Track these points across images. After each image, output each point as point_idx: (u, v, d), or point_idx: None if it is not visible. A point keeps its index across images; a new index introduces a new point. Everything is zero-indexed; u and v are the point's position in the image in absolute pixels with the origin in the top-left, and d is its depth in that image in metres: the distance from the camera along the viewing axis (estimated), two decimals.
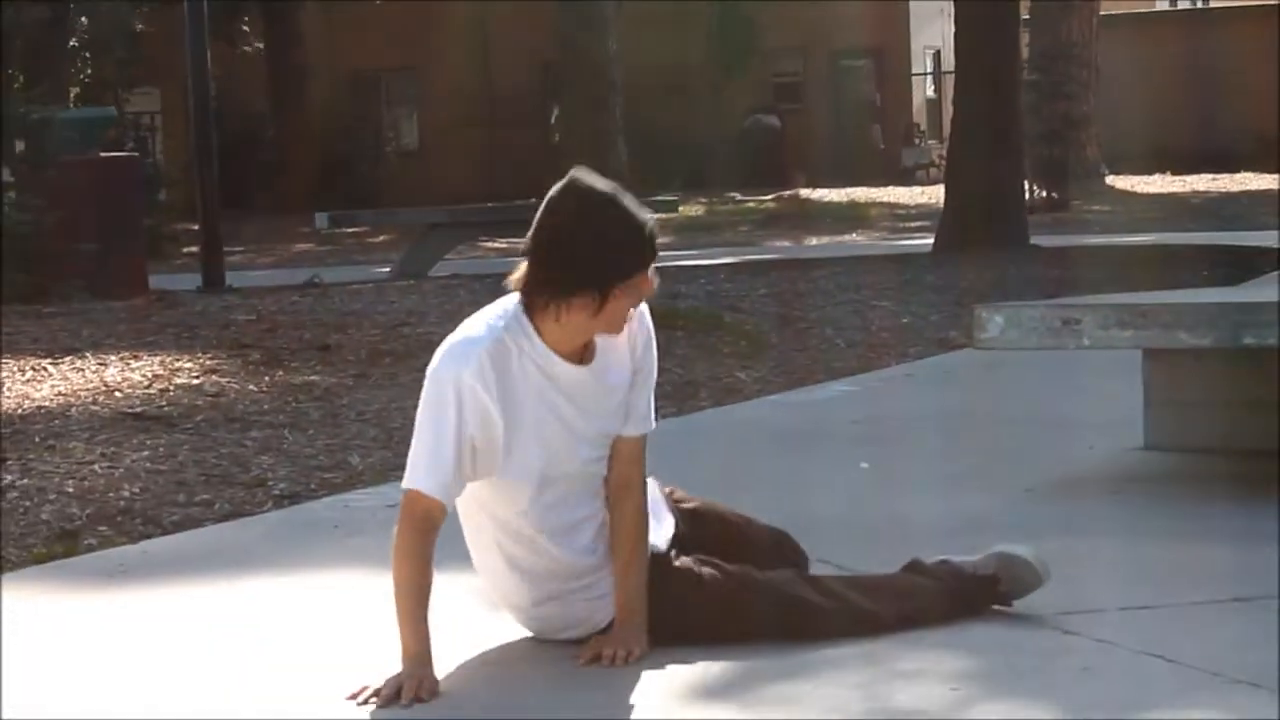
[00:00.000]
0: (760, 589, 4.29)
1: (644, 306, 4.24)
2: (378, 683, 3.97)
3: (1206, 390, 6.58)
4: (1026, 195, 23.91)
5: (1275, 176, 29.89)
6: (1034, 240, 17.36)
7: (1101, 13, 31.67)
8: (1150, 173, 32.14)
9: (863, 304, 12.68)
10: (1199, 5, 49.68)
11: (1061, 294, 11.89)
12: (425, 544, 4.10)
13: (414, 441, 4.14)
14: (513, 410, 4.10)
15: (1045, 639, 4.30)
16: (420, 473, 4.10)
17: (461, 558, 4.37)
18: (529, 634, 4.38)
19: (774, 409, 8.43)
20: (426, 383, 4.15)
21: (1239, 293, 7.31)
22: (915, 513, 5.81)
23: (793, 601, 4.29)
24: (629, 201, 4.12)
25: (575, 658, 4.19)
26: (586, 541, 4.25)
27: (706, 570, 4.28)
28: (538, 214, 4.14)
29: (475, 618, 4.52)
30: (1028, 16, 29.51)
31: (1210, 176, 31.43)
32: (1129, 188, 30.09)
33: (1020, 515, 5.77)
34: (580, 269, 4.06)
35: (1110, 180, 30.47)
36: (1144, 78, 36.74)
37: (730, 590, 4.26)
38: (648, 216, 4.13)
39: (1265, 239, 17.26)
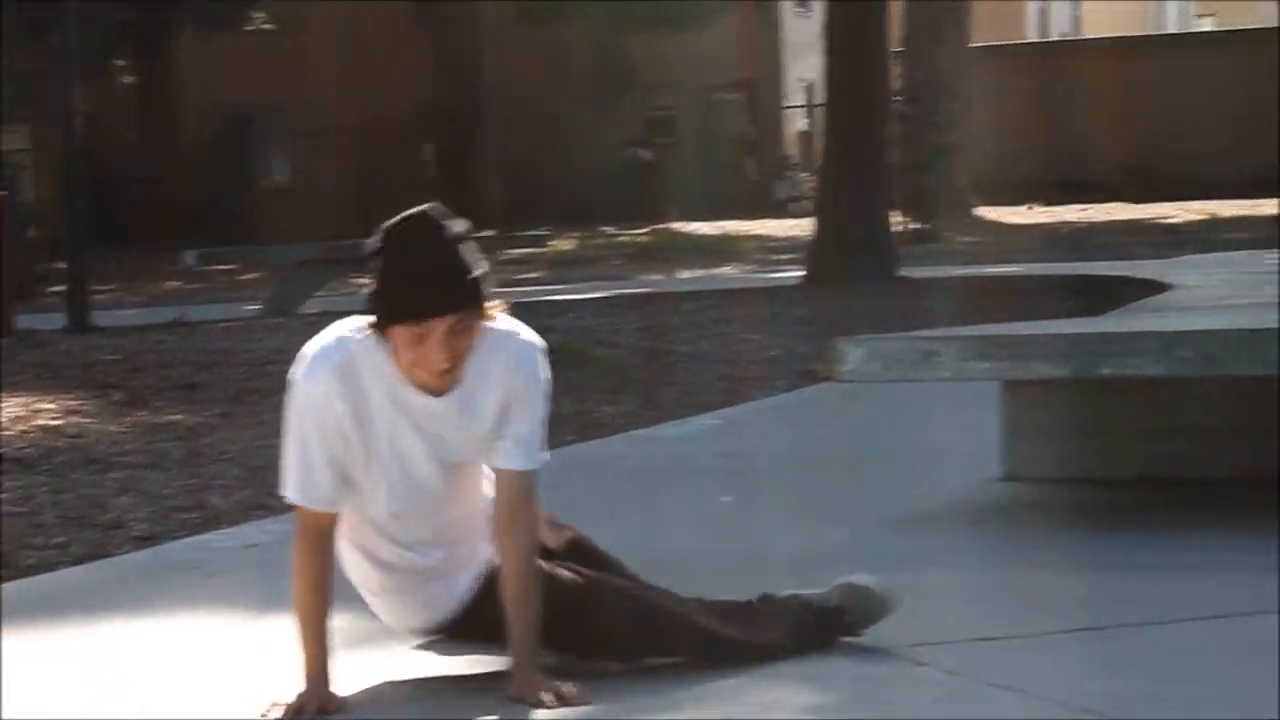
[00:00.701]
0: (616, 594, 4.27)
1: (532, 337, 4.18)
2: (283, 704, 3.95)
3: (1064, 421, 6.63)
4: (897, 226, 24.14)
5: (1143, 206, 30.27)
6: (903, 271, 17.49)
7: (972, 44, 31.95)
8: (1018, 203, 32.43)
9: (731, 337, 12.73)
10: (1069, 37, 50.28)
11: (929, 325, 11.96)
12: (315, 557, 4.09)
13: (283, 452, 4.15)
14: (366, 424, 4.09)
15: (898, 671, 4.31)
16: (291, 484, 4.11)
17: None
18: (435, 654, 4.38)
19: (639, 443, 8.43)
20: (288, 392, 4.15)
21: (1097, 323, 7.38)
22: (775, 547, 5.82)
23: (648, 609, 4.27)
24: (437, 246, 4.05)
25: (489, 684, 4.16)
26: (433, 552, 4.23)
27: (563, 571, 4.26)
28: None
29: (386, 636, 4.49)
30: (899, 49, 29.77)
31: (1079, 207, 31.76)
32: (997, 217, 30.35)
33: (878, 547, 5.79)
34: (373, 303, 4.06)
35: (979, 210, 30.73)
36: (1014, 109, 37.11)
37: (585, 591, 4.23)
38: (448, 264, 4.04)
39: (1131, 269, 17.45)
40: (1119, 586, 5.12)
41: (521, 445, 4.17)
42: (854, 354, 6.04)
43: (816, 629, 4.42)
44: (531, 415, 4.18)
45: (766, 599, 4.49)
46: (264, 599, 5.09)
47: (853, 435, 8.30)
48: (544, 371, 4.20)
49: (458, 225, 4.12)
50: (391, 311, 4.03)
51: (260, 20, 39.75)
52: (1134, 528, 5.93)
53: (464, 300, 4.05)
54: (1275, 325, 5.73)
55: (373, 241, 4.10)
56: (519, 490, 4.18)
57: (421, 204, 4.17)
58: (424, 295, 4.00)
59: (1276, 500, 6.07)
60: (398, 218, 4.10)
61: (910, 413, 8.52)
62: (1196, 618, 4.76)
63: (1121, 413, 6.53)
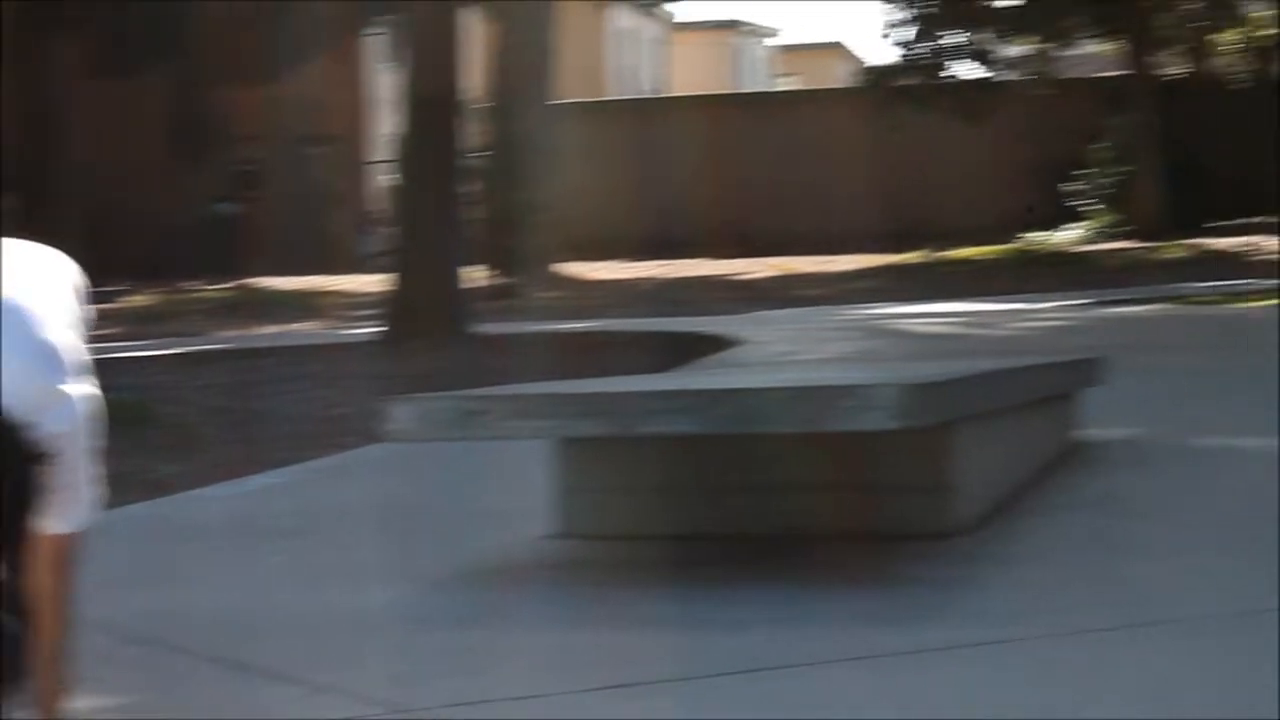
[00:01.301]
0: None
1: (74, 392, 3.95)
2: None
3: (614, 477, 6.72)
4: (479, 283, 24.23)
5: (723, 262, 30.86)
6: (482, 328, 17.53)
7: (556, 101, 32.25)
8: (605, 258, 32.83)
9: (303, 394, 12.62)
10: (652, 95, 51.10)
11: (501, 381, 11.97)
12: None
13: None
14: None
15: None
16: None
17: None
18: None
19: (200, 503, 8.30)
20: None
21: (642, 382, 7.50)
22: (325, 605, 5.78)
23: None
24: None
25: None
26: None
27: None
28: None
29: None
30: (483, 104, 29.92)
31: (660, 263, 32.25)
32: (581, 274, 30.66)
33: (430, 605, 5.79)
34: None
35: (562, 267, 31.00)
36: (598, 165, 37.56)
37: None
38: None
39: (705, 324, 17.78)
40: (664, 641, 5.19)
41: (57, 508, 3.95)
42: (401, 413, 6.04)
43: None
44: (68, 479, 3.95)
45: None
46: None
47: (413, 493, 8.29)
48: None
49: None
50: None
51: None
52: (683, 583, 6.02)
53: None
54: (812, 384, 5.89)
55: None
56: (47, 558, 3.97)
57: None
58: None
59: (818, 555, 6.25)
60: None
61: (472, 470, 8.54)
62: (737, 671, 4.85)
63: (669, 468, 6.64)
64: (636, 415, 5.78)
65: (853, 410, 5.54)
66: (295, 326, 23.14)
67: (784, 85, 59.11)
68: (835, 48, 61.92)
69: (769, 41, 63.28)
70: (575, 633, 5.42)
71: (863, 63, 38.81)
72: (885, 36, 30.59)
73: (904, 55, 30.80)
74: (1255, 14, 33.60)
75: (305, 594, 6.02)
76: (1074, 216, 33.23)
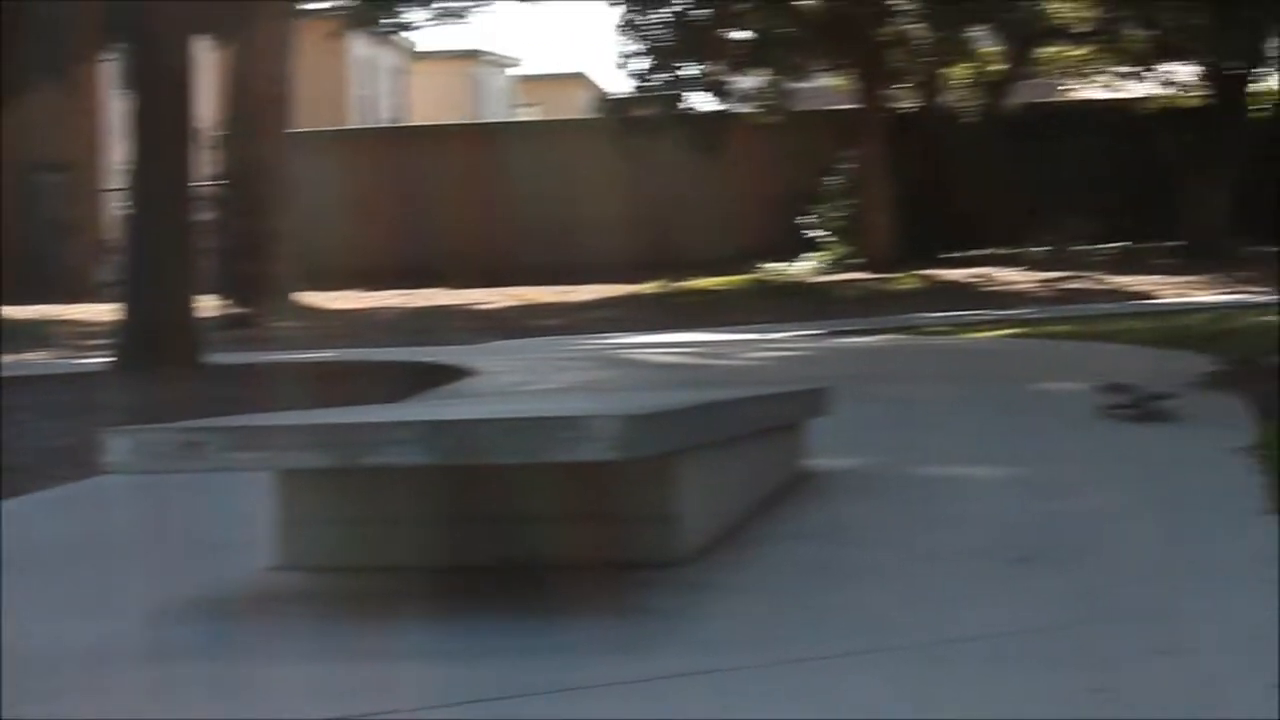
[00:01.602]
0: None
1: None
2: None
3: (335, 508, 6.66)
4: (216, 312, 23.95)
5: (463, 292, 30.82)
6: (219, 358, 17.33)
7: (295, 128, 32.02)
8: (345, 288, 32.60)
9: (25, 426, 12.35)
10: (392, 124, 50.92)
11: (235, 412, 11.84)
12: None
13: None
14: None
15: None
16: None
17: None
18: None
19: None
20: None
21: (364, 412, 7.45)
22: (40, 640, 5.65)
23: None
24: None
25: None
26: None
27: None
28: None
29: None
30: (221, 131, 29.58)
31: (402, 292, 32.12)
32: (321, 304, 30.44)
33: (150, 639, 5.70)
34: None
35: (302, 297, 30.75)
36: (340, 194, 37.34)
37: None
38: None
39: (446, 354, 17.73)
40: (380, 674, 5.15)
41: None
42: (118, 445, 5.94)
43: None
44: None
45: None
46: None
47: (136, 526, 8.14)
48: None
49: None
50: None
51: None
52: (404, 615, 5.98)
53: None
54: (532, 415, 5.88)
55: None
56: None
57: None
58: None
59: (543, 585, 6.24)
60: None
61: (200, 502, 8.41)
62: (457, 703, 4.83)
63: (398, 500, 6.60)
64: (359, 446, 5.73)
65: (573, 441, 5.54)
66: (27, 356, 22.66)
67: (525, 115, 59.23)
68: (578, 78, 62.15)
69: (511, 71, 63.36)
70: (298, 666, 5.36)
71: (604, 93, 39.01)
72: (620, 67, 30.74)
73: (638, 86, 30.99)
74: (985, 49, 34.37)
75: (16, 630, 5.88)
76: (811, 248, 33.68)
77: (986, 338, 18.23)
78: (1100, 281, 27.21)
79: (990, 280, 28.70)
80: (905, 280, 28.78)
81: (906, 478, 8.64)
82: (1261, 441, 8.94)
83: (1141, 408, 10.62)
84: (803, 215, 34.26)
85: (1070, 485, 8.27)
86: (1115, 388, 11.03)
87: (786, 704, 4.79)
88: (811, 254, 33.27)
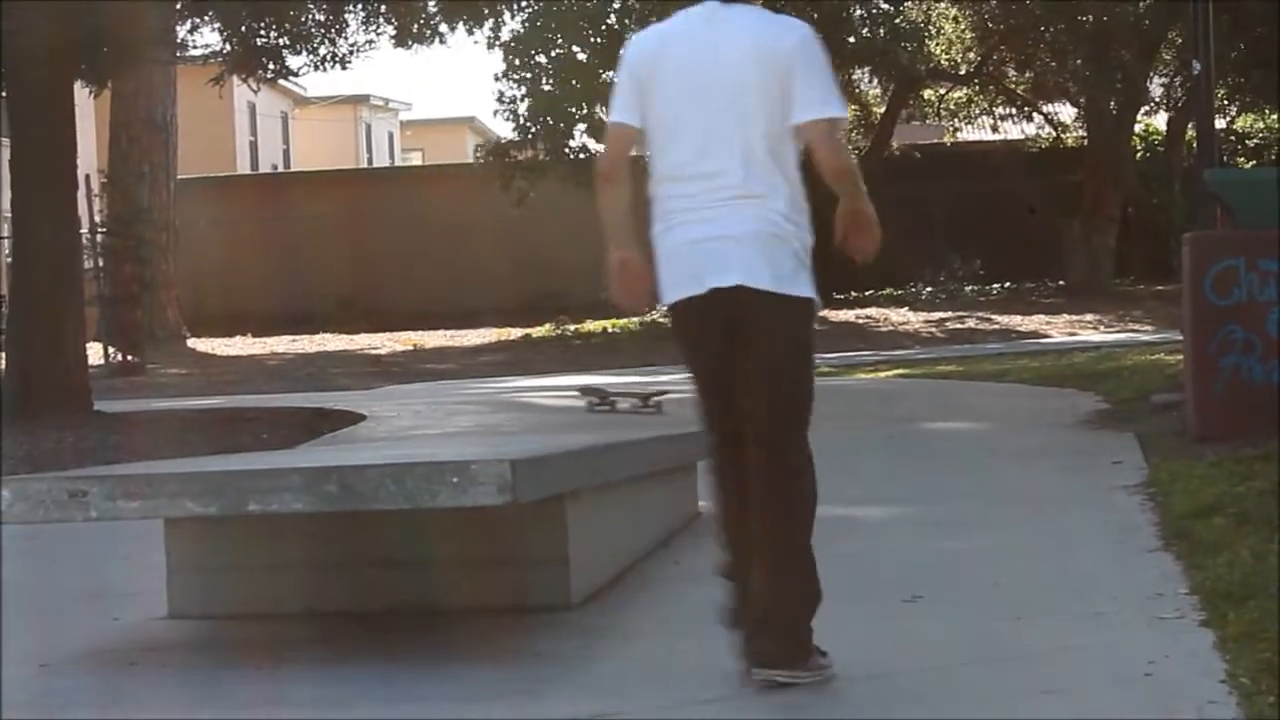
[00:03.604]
0: None
1: None
2: None
3: (225, 556, 6.61)
4: (101, 359, 23.74)
5: (354, 337, 30.70)
6: (103, 406, 17.16)
7: (180, 176, 31.84)
8: (232, 335, 32.40)
9: None
10: (280, 169, 50.73)
11: (125, 460, 11.77)
12: None
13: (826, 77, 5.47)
14: None
15: None
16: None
17: None
18: None
19: None
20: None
21: (249, 459, 7.42)
22: None
23: None
24: None
25: None
26: None
27: None
28: None
29: None
30: (106, 178, 29.39)
31: (290, 338, 31.95)
32: (210, 350, 30.23)
33: (32, 689, 5.63)
34: None
35: (191, 343, 30.56)
36: (225, 241, 37.12)
37: None
38: None
39: (337, 399, 17.64)
40: None
41: None
42: (3, 496, 5.86)
43: None
44: None
45: None
46: None
47: (27, 576, 8.03)
48: None
49: None
50: None
51: None
52: (291, 663, 5.94)
53: None
54: (418, 460, 5.86)
55: None
56: None
57: None
58: None
59: (434, 630, 6.21)
60: None
61: (91, 551, 8.33)
62: None
63: (278, 546, 6.56)
64: (243, 494, 5.69)
65: (461, 486, 5.53)
66: None
67: (414, 160, 59.14)
68: (469, 122, 62.12)
69: (402, 115, 63.26)
70: (185, 715, 5.31)
71: (491, 136, 39.03)
72: (498, 113, 30.58)
73: (515, 128, 30.96)
74: (867, 91, 34.62)
75: None
76: None
77: (876, 378, 18.31)
78: (988, 321, 27.42)
79: (879, 321, 28.85)
80: None
81: None
82: (1150, 480, 9.02)
83: (612, 407, 13.28)
84: None
85: (961, 524, 8.31)
86: (590, 390, 13.93)
87: None
88: None
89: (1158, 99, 34.50)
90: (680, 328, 5.52)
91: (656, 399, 14.04)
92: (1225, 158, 31.66)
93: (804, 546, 5.39)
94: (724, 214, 5.36)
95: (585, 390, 14.82)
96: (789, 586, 5.29)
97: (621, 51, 5.71)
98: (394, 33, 19.44)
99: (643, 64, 5.53)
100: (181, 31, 19.34)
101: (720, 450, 5.48)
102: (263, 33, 18.19)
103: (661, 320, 30.56)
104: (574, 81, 29.73)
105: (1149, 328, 24.38)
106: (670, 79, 5.44)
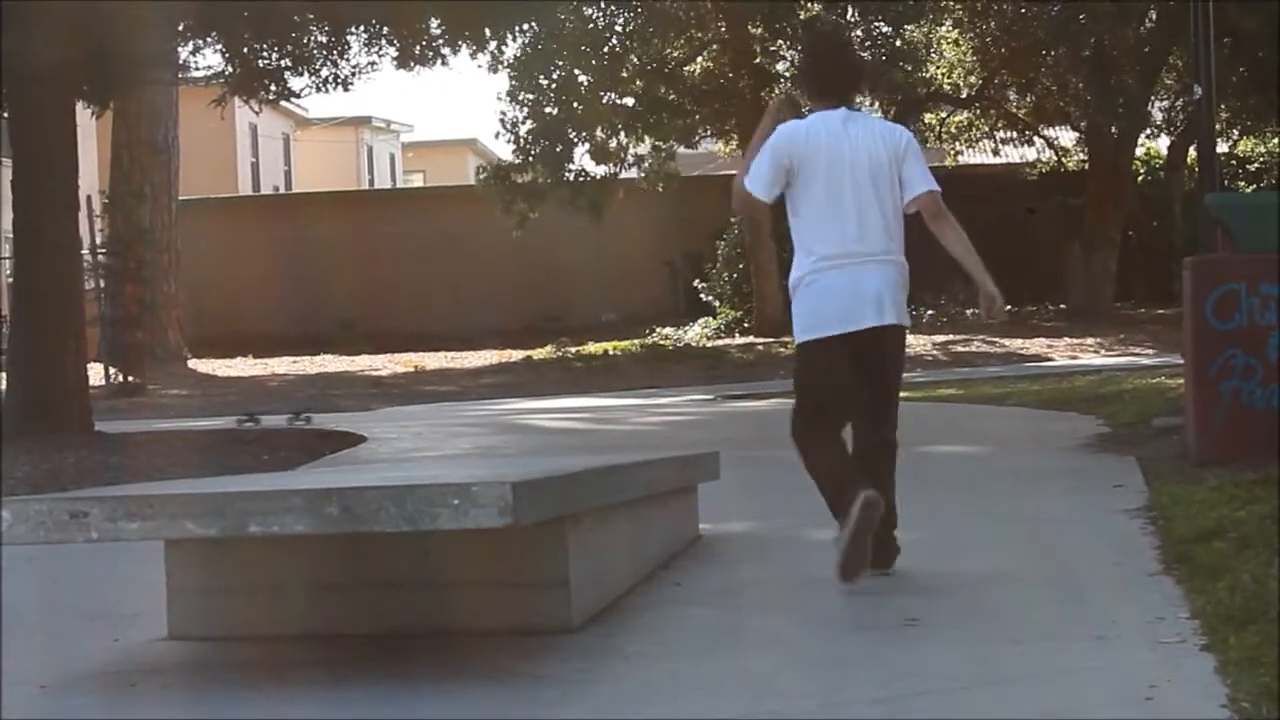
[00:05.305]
0: None
1: None
2: None
3: (226, 578, 6.61)
4: (102, 380, 23.74)
5: (356, 359, 30.70)
6: (105, 426, 17.16)
7: (182, 197, 31.86)
8: (233, 355, 32.42)
9: None
10: (284, 190, 50.76)
11: (127, 481, 11.76)
12: None
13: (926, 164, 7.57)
14: None
15: None
16: None
17: None
18: None
19: None
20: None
21: (250, 481, 7.41)
22: None
23: None
24: None
25: None
26: None
27: None
28: None
29: None
30: (108, 199, 29.42)
31: (291, 359, 31.96)
32: (211, 371, 30.25)
33: (34, 711, 5.63)
34: None
35: (192, 364, 30.57)
36: (226, 262, 37.15)
37: None
38: None
39: (339, 420, 17.64)
40: None
41: None
42: (4, 516, 5.86)
43: None
44: None
45: None
46: None
47: (27, 597, 8.03)
48: None
49: None
50: None
51: None
52: (292, 685, 5.94)
53: None
54: (418, 482, 5.86)
55: None
56: None
57: None
58: None
59: (435, 653, 6.21)
60: None
61: (91, 572, 8.33)
62: None
63: (280, 567, 6.56)
64: (244, 515, 5.69)
65: (461, 508, 5.53)
66: None
67: (415, 182, 59.17)
68: (471, 144, 62.13)
69: (404, 137, 63.28)
70: None
71: (494, 159, 39.04)
72: (500, 135, 30.67)
73: (515, 150, 30.97)
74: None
75: None
76: (702, 312, 33.80)
77: None
78: (992, 344, 27.40)
79: None
80: (792, 344, 28.85)
81: (796, 541, 8.64)
82: (1151, 504, 9.01)
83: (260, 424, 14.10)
84: (693, 280, 34.40)
85: (961, 546, 8.31)
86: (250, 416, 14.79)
87: None
88: (702, 319, 33.37)
89: (1159, 123, 34.50)
90: (822, 352, 7.41)
91: (306, 414, 16.67)
92: (1226, 182, 31.65)
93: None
94: (871, 271, 7.40)
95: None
96: (892, 510, 7.46)
97: (772, 140, 7.44)
98: (396, 54, 19.43)
99: (793, 152, 7.41)
100: (184, 52, 19.34)
101: (828, 433, 7.35)
102: (265, 54, 18.21)
103: (659, 343, 30.64)
104: (576, 104, 29.76)
105: (1150, 351, 24.38)
106: (823, 164, 7.40)
